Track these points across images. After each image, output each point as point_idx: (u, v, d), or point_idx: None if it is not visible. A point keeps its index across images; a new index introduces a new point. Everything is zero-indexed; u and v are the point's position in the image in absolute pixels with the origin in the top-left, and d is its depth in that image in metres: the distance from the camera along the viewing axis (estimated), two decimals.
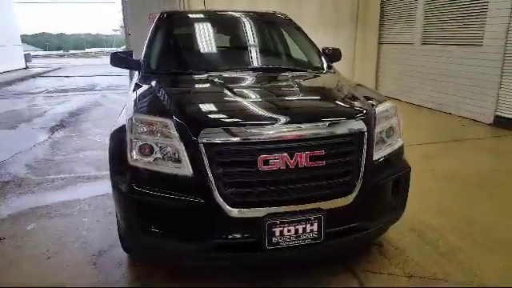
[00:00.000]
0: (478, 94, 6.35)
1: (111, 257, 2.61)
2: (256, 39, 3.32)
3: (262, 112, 2.11)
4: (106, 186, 3.96)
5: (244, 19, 3.48)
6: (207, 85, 2.65)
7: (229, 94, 2.34)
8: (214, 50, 3.31)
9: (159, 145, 2.00)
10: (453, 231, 2.91)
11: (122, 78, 15.34)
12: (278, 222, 1.94)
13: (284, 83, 2.74)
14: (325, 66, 3.22)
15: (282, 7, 8.39)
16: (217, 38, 3.35)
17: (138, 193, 1.99)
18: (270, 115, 2.06)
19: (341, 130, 2.04)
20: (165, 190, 1.97)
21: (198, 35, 3.37)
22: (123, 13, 10.18)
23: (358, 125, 2.08)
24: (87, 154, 4.97)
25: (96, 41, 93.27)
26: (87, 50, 60.17)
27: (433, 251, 2.65)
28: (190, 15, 3.75)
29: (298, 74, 2.95)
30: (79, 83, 13.74)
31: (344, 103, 2.34)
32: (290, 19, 3.62)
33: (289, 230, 1.96)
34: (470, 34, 6.51)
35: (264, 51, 3.34)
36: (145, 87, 2.57)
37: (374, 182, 2.12)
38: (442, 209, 3.28)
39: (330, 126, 2.03)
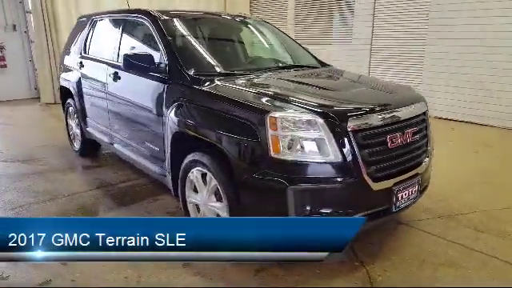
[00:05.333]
0: None
1: None
2: (271, 40, 3.57)
3: (373, 100, 2.51)
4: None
5: (241, 22, 3.68)
6: (292, 83, 2.81)
7: (324, 88, 2.66)
8: (246, 51, 3.39)
9: (304, 138, 2.17)
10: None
11: None
12: (401, 188, 2.40)
13: (338, 77, 3.20)
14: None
15: (160, 6, 8.33)
16: (240, 40, 3.44)
17: (297, 184, 2.13)
18: (379, 102, 2.48)
19: (421, 110, 2.64)
20: (319, 176, 2.17)
21: (218, 36, 3.37)
22: None
23: (425, 105, 2.72)
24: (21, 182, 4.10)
25: None
26: None
27: (432, 198, 3.48)
28: (203, 16, 3.65)
29: (323, 69, 3.40)
30: None
31: (404, 89, 2.92)
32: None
33: (405, 194, 2.45)
34: (340, 34, 7.97)
35: (281, 51, 3.63)
36: (227, 88, 2.58)
37: (431, 148, 2.79)
38: None
39: (416, 107, 2.59)
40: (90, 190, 3.81)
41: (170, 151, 2.85)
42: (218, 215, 2.56)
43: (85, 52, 4.34)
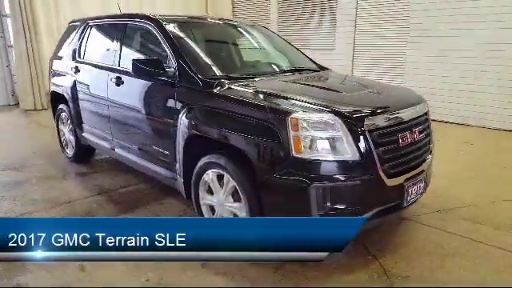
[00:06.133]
0: None
1: None
2: (273, 45, 3.68)
3: (383, 101, 2.65)
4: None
5: (243, 27, 3.78)
6: (302, 85, 2.96)
7: (335, 91, 2.79)
8: (250, 55, 3.47)
9: (325, 137, 2.27)
10: None
11: None
12: (411, 184, 2.55)
13: (343, 80, 3.36)
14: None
15: (136, 9, 8.30)
16: (244, 45, 3.52)
17: (319, 182, 2.23)
18: (389, 103, 2.62)
19: (424, 110, 2.81)
20: (339, 174, 2.28)
21: (223, 41, 3.44)
22: None
23: (426, 105, 2.88)
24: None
25: None
26: None
27: (427, 193, 3.56)
28: (207, 21, 3.70)
29: (325, 72, 3.54)
30: None
31: (407, 91, 3.08)
32: None
33: (414, 189, 2.59)
34: (323, 36, 8.20)
35: (283, 55, 3.73)
36: (241, 91, 2.66)
37: (432, 146, 2.96)
38: None
39: (420, 108, 2.76)
40: (91, 196, 3.77)
41: (182, 154, 2.89)
42: (235, 215, 2.62)
43: (79, 57, 4.30)
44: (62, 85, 4.51)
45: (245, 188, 2.46)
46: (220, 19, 3.98)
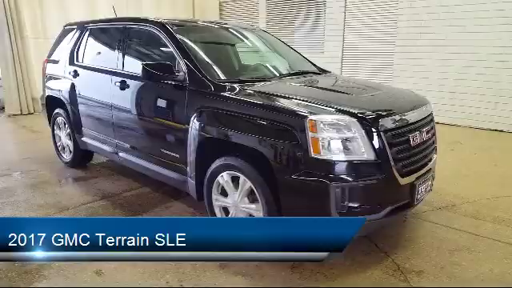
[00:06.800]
0: None
1: None
2: (277, 49, 3.75)
3: (393, 103, 2.75)
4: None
5: (247, 31, 3.84)
6: (311, 88, 3.02)
7: (345, 93, 2.86)
8: (256, 58, 3.51)
9: (342, 138, 2.33)
10: None
11: None
12: (421, 182, 2.64)
13: (348, 82, 3.48)
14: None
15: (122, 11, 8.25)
16: (250, 48, 3.56)
17: (338, 181, 2.29)
18: (399, 105, 2.71)
19: (430, 111, 2.92)
20: (356, 174, 2.34)
21: (229, 45, 3.47)
22: None
23: (431, 106, 3.00)
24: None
25: None
26: None
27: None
28: (210, 25, 3.73)
29: (328, 75, 3.62)
30: None
31: (411, 93, 3.19)
32: None
33: (423, 188, 2.69)
34: (312, 38, 8.31)
35: (287, 59, 3.79)
36: (256, 94, 2.71)
37: (437, 146, 3.08)
38: None
39: (426, 109, 2.87)
40: (95, 200, 3.73)
41: (194, 157, 2.91)
42: (251, 216, 2.66)
43: (78, 60, 4.25)
44: (59, 89, 4.45)
45: (263, 189, 2.50)
46: (224, 23, 4.02)
